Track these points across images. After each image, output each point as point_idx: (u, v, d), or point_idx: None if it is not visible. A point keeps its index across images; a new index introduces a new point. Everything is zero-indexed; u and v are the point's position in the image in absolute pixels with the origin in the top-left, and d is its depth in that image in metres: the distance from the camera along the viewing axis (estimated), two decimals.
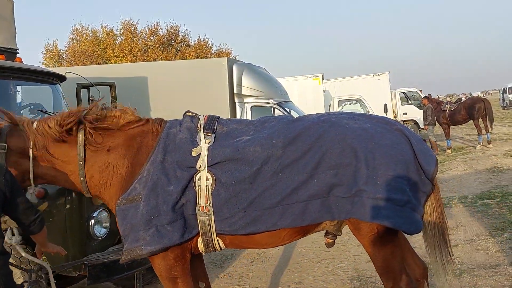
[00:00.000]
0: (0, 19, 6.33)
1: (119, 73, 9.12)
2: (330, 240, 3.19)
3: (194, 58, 29.75)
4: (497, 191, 8.32)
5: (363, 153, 2.71)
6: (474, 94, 27.64)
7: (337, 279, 5.15)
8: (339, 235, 3.19)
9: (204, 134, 2.95)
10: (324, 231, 3.15)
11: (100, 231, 3.68)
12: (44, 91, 5.53)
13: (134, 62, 26.88)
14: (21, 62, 5.44)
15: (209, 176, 2.85)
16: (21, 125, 3.00)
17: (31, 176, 2.97)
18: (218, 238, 2.94)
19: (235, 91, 9.67)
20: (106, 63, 30.03)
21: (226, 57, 9.71)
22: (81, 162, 2.98)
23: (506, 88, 38.27)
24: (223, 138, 2.96)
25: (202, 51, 34.35)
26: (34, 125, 3.01)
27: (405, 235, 3.08)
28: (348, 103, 16.78)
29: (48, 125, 2.97)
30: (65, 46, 33.54)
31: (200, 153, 2.88)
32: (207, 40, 36.10)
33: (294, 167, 2.78)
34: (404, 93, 20.35)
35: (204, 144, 2.91)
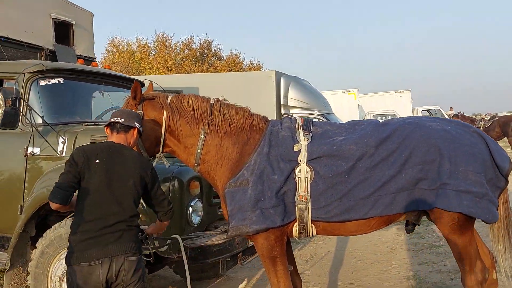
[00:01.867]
0: (82, 30, 6.97)
1: (172, 83, 9.70)
2: (411, 229, 3.59)
3: (226, 72, 30.42)
4: None
5: (446, 151, 3.11)
6: (499, 114, 27.57)
7: (393, 278, 5.50)
8: (419, 225, 3.60)
9: (303, 133, 3.41)
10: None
11: (195, 219, 4.13)
12: (123, 96, 6.06)
13: (168, 74, 27.71)
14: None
15: (308, 169, 3.28)
16: (157, 98, 3.59)
17: (161, 143, 3.54)
18: (312, 224, 3.37)
19: (282, 102, 10.15)
20: (139, 75, 30.99)
21: (275, 70, 10.18)
22: (202, 136, 3.50)
23: None
24: (319, 137, 3.41)
25: (234, 65, 35.10)
26: (169, 100, 3.59)
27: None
28: (383, 117, 17.11)
29: (187, 102, 3.59)
30: (101, 58, 34.64)
31: (300, 149, 3.33)
32: (238, 54, 36.85)
33: (385, 163, 3.19)
34: (428, 110, 20.59)
35: (303, 141, 3.36)
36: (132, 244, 2.94)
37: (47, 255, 4.16)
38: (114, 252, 2.84)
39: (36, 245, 4.24)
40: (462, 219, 3.16)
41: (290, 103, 10.18)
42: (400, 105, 18.73)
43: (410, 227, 3.60)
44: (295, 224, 3.37)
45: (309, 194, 3.27)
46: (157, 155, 3.62)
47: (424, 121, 3.36)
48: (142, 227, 3.35)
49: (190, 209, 4.06)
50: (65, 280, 3.07)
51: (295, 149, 3.34)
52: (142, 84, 6.28)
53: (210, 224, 4.43)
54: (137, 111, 3.48)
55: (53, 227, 4.20)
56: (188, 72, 30.50)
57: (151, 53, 34.97)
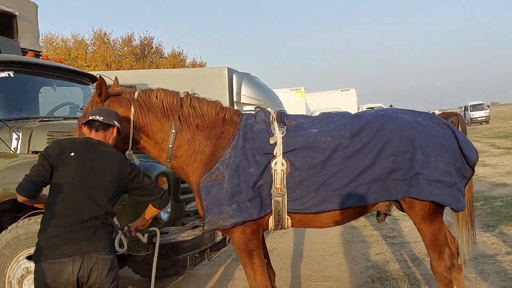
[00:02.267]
0: (26, 21, 6.57)
1: (121, 80, 9.41)
2: (382, 219, 3.68)
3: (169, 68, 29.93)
4: (479, 196, 9.05)
5: (419, 142, 3.21)
6: (437, 112, 29.24)
7: (354, 269, 5.63)
8: (389, 215, 3.69)
9: (278, 126, 3.40)
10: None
11: (164, 215, 4.02)
12: (77, 91, 5.80)
13: (114, 70, 26.85)
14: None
15: (284, 162, 3.28)
16: (124, 94, 3.47)
17: (130, 139, 3.42)
18: (288, 216, 3.37)
19: (234, 99, 10.13)
20: None
21: (227, 67, 10.13)
22: (173, 131, 3.42)
23: (468, 106, 40.43)
24: (294, 130, 3.41)
25: (177, 63, 34.63)
26: (136, 95, 3.47)
27: None
28: None
29: (156, 96, 3.49)
30: None
31: (276, 142, 3.32)
32: (181, 52, 36.43)
33: (359, 155, 3.25)
34: (371, 107, 21.38)
35: (279, 134, 3.35)
36: (107, 242, 2.83)
37: (4, 257, 3.94)
38: (86, 250, 2.71)
39: None
40: (432, 207, 3.27)
41: (243, 100, 10.17)
42: (346, 103, 19.25)
43: (381, 217, 3.69)
44: (271, 217, 3.37)
45: (285, 186, 3.28)
46: (126, 152, 3.48)
47: (396, 113, 3.45)
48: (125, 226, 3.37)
49: None
50: (33, 280, 2.88)
51: (271, 142, 3.33)
52: (95, 79, 6.04)
53: (177, 221, 4.33)
54: None
55: (9, 227, 3.97)
56: (125, 68, 29.75)
57: (88, 50, 33.77)
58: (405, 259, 5.77)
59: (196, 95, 3.63)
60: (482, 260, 5.34)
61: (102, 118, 3.04)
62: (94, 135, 3.02)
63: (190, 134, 3.46)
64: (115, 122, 3.09)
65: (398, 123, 3.31)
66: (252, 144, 3.34)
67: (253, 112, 3.62)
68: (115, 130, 3.11)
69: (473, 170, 3.42)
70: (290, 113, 3.78)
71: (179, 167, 3.50)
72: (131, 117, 3.42)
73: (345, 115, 3.55)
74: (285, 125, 3.45)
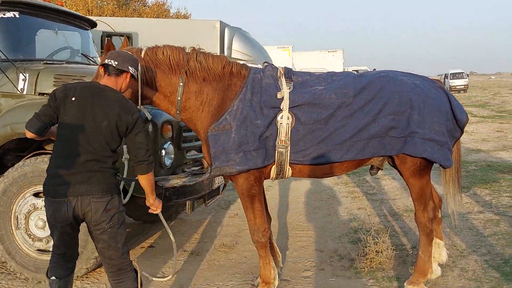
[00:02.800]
0: None
1: (113, 26, 9.33)
2: (375, 172, 3.98)
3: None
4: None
5: (417, 103, 3.46)
6: None
7: (337, 221, 5.99)
8: (382, 169, 3.99)
9: (285, 82, 3.60)
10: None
11: (167, 161, 4.22)
12: (75, 35, 5.81)
13: (89, 15, 26.25)
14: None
15: (290, 116, 3.51)
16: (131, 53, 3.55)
17: (139, 95, 3.54)
18: (289, 167, 3.63)
19: (225, 53, 10.17)
20: None
21: (219, 20, 10.10)
22: (181, 84, 3.59)
23: (448, 74, 41.07)
24: (300, 86, 3.62)
25: (161, 12, 33.89)
26: (142, 53, 3.60)
27: None
28: None
29: (162, 53, 3.62)
30: None
31: (283, 96, 3.53)
32: (165, 1, 35.59)
33: (361, 112, 3.49)
34: (356, 70, 21.60)
35: (286, 89, 3.55)
36: (101, 186, 2.90)
37: (11, 193, 4.11)
38: (80, 193, 2.84)
39: None
40: (423, 164, 3.57)
41: (233, 54, 10.21)
42: (332, 64, 19.40)
43: (374, 170, 3.98)
44: (273, 167, 3.61)
45: (289, 139, 3.51)
46: (138, 107, 3.63)
47: (396, 75, 3.67)
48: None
49: (163, 152, 4.15)
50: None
51: (278, 96, 3.54)
52: (94, 25, 6.07)
53: (177, 168, 4.54)
54: None
55: (16, 166, 4.14)
56: (112, 15, 29.06)
57: None
58: (385, 214, 6.16)
59: (202, 50, 3.76)
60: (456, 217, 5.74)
61: (116, 63, 3.05)
62: (106, 78, 3.07)
63: (197, 86, 3.63)
64: (129, 67, 3.10)
65: (399, 84, 3.54)
66: (259, 97, 3.54)
67: (261, 67, 3.80)
68: (128, 75, 3.11)
69: (462, 131, 3.71)
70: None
71: (188, 118, 3.69)
72: (139, 75, 3.50)
73: (349, 74, 3.77)
74: (292, 81, 3.64)
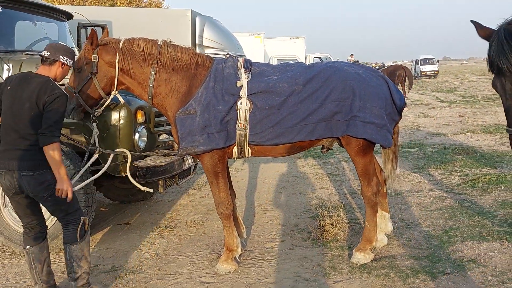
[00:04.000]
0: None
1: (86, 15, 9.56)
2: (325, 151, 4.47)
3: (125, 6, 29.35)
4: (415, 143, 10.13)
5: (358, 90, 3.93)
6: (386, 63, 30.51)
7: (300, 199, 6.49)
8: (331, 149, 4.49)
9: (244, 71, 4.04)
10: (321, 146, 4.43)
11: (141, 144, 4.62)
12: (52, 27, 6.11)
13: (62, 4, 26.05)
14: None
15: (248, 102, 3.95)
16: (111, 44, 4.04)
17: (115, 82, 4.05)
18: (249, 147, 4.08)
19: (197, 42, 10.50)
20: None
21: (190, 9, 10.40)
22: (153, 73, 4.03)
23: (419, 60, 42.01)
24: (258, 76, 4.06)
25: (133, 0, 33.71)
26: (120, 44, 4.04)
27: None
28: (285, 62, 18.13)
29: (137, 44, 4.07)
30: None
31: (242, 85, 3.97)
32: None
33: (309, 99, 3.95)
34: (319, 57, 22.10)
35: (244, 79, 4.00)
36: (29, 162, 3.30)
37: None
38: (11, 167, 3.30)
39: None
40: (365, 144, 4.06)
41: (205, 43, 10.55)
42: (295, 51, 19.88)
43: (325, 150, 4.47)
44: (235, 147, 4.06)
45: (247, 122, 3.96)
46: (112, 92, 4.12)
47: (342, 65, 4.15)
48: None
49: (137, 135, 4.55)
50: None
51: (238, 85, 3.98)
52: (71, 16, 6.37)
53: (150, 150, 4.94)
54: (93, 55, 3.97)
55: None
56: (84, 4, 28.88)
57: None
58: (344, 192, 6.69)
59: (172, 43, 4.20)
60: (408, 194, 6.31)
61: (48, 53, 3.49)
62: (41, 67, 3.51)
63: (167, 75, 4.06)
64: (60, 57, 3.50)
65: (343, 74, 4.01)
66: (221, 85, 3.98)
67: (223, 57, 4.23)
68: (60, 64, 3.50)
69: (401, 115, 4.22)
70: (253, 60, 4.39)
71: (158, 103, 4.12)
72: (116, 63, 3.99)
73: (300, 65, 4.23)
74: (250, 71, 4.08)
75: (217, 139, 3.93)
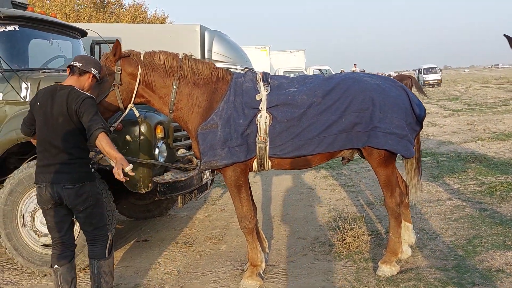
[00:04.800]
0: None
1: (93, 33, 9.64)
2: (346, 162, 4.44)
3: (129, 22, 29.67)
4: (427, 152, 10.06)
5: (378, 101, 3.92)
6: (392, 74, 30.62)
7: (317, 211, 6.44)
8: (352, 160, 4.46)
9: (263, 85, 4.03)
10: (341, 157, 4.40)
11: (161, 159, 4.61)
12: (66, 44, 6.13)
13: (67, 21, 26.34)
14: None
15: (268, 115, 3.94)
16: (132, 56, 4.03)
17: (134, 94, 4.01)
18: (269, 160, 4.06)
19: (206, 56, 10.54)
20: None
21: (199, 24, 10.47)
22: (174, 87, 4.01)
23: (422, 69, 42.08)
24: (277, 89, 4.06)
25: (138, 14, 34.01)
26: (142, 56, 4.03)
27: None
28: (292, 74, 18.22)
29: (158, 58, 4.05)
30: None
31: (261, 98, 3.96)
32: (142, 3, 35.67)
33: (329, 111, 3.93)
34: (319, 70, 22.19)
35: (264, 92, 3.99)
36: (70, 175, 3.38)
37: (17, 193, 4.45)
38: (53, 180, 3.38)
39: (4, 184, 4.49)
40: (387, 154, 4.03)
41: (214, 57, 10.59)
42: (295, 64, 20.02)
43: (345, 161, 4.44)
44: (255, 160, 4.04)
45: (267, 135, 3.94)
46: (129, 105, 4.06)
47: (361, 76, 4.14)
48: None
49: (157, 150, 4.53)
50: None
51: (257, 98, 3.97)
52: (85, 33, 6.40)
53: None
54: (116, 67, 3.93)
55: (21, 167, 4.48)
56: (88, 21, 29.17)
57: None
58: (361, 203, 6.64)
59: (193, 57, 4.19)
60: (426, 204, 6.25)
61: (80, 64, 3.54)
62: (69, 78, 3.56)
63: (188, 89, 4.04)
64: (92, 69, 3.57)
65: (362, 85, 3.99)
66: (241, 99, 3.97)
67: (242, 72, 4.23)
68: (91, 76, 3.58)
69: (422, 125, 4.19)
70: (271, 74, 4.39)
71: (179, 117, 4.10)
72: (138, 76, 3.97)
73: (318, 77, 4.23)
74: (269, 84, 4.08)
75: (238, 153, 3.91)
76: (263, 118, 3.94)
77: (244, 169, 4.06)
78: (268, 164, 4.10)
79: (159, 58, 4.06)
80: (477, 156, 9.11)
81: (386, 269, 4.17)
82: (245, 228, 4.14)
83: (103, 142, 3.27)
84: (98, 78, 3.67)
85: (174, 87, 4.01)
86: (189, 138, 5.16)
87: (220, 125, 3.89)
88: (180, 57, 4.13)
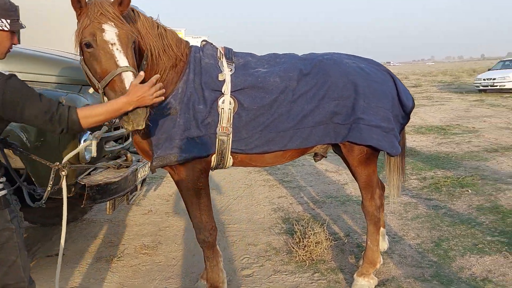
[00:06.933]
0: None
1: None
2: (319, 159, 3.76)
3: None
4: None
5: (361, 88, 3.25)
6: None
7: (261, 211, 5.73)
8: (325, 157, 3.78)
9: (226, 62, 3.20)
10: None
11: (86, 155, 3.58)
12: None
13: None
14: None
15: (232, 101, 3.12)
16: None
17: None
18: (230, 156, 3.25)
19: None
20: None
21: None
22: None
23: None
24: (242, 68, 3.24)
25: None
26: None
27: None
28: None
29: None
30: None
31: (224, 79, 3.13)
32: None
33: (304, 98, 3.20)
34: None
35: (227, 71, 3.16)
36: None
37: None
38: None
39: None
40: (369, 152, 3.40)
41: None
42: None
43: (318, 157, 3.76)
44: (214, 156, 3.21)
45: (231, 125, 3.13)
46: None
47: (341, 58, 3.44)
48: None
49: (83, 144, 3.49)
50: None
51: (220, 78, 3.13)
52: None
53: (97, 162, 3.91)
54: None
55: None
56: None
57: None
58: (306, 201, 6.04)
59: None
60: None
61: None
62: None
63: None
64: None
65: (343, 68, 3.31)
66: (201, 78, 3.11)
67: (198, 45, 3.35)
68: None
69: (409, 118, 3.59)
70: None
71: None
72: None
73: (292, 56, 3.47)
74: (233, 62, 3.26)
75: (199, 146, 3.06)
76: (226, 104, 3.11)
77: (204, 168, 3.21)
78: (229, 160, 3.29)
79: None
80: (410, 150, 9.02)
81: (364, 283, 3.58)
82: (204, 241, 3.30)
83: (87, 112, 2.23)
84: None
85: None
86: (118, 128, 4.17)
87: (179, 110, 3.01)
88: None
